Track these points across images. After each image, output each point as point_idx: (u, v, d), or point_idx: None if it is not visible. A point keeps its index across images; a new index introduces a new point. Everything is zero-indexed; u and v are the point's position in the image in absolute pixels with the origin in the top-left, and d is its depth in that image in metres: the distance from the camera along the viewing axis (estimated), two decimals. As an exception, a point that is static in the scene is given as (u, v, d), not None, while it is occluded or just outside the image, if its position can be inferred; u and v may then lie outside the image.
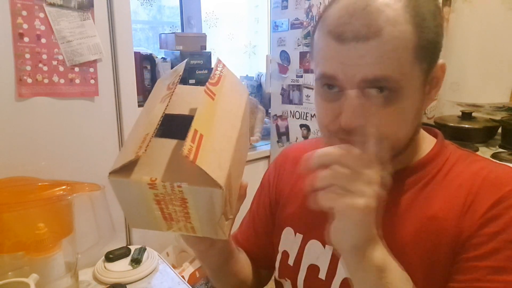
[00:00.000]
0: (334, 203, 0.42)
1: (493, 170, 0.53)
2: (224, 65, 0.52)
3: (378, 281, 0.45)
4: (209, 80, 0.48)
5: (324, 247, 0.61)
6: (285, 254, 0.66)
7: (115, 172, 0.41)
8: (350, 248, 0.45)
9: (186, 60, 0.56)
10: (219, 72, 0.50)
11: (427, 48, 0.46)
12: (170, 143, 0.43)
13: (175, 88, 0.46)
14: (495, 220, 0.48)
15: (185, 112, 0.48)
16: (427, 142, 0.59)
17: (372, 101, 0.46)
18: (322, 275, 0.60)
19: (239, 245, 0.73)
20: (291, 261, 0.65)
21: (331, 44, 0.47)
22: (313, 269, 0.61)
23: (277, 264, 0.68)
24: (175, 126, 0.45)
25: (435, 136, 0.61)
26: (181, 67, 0.50)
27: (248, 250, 0.75)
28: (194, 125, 0.40)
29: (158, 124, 0.41)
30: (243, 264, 0.71)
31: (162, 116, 0.42)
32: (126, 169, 0.41)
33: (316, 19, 0.51)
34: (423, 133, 0.59)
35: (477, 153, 1.32)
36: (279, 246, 0.68)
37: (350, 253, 0.45)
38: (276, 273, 0.69)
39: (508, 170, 0.53)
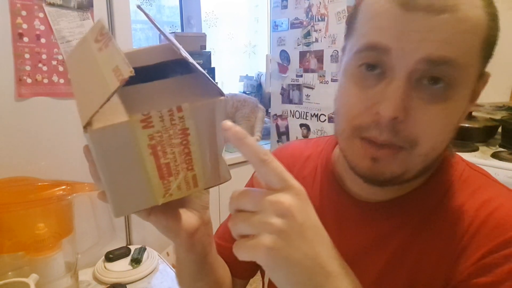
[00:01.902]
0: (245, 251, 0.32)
1: (502, 205, 0.43)
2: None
3: None
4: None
5: None
6: None
7: (90, 125, 0.32)
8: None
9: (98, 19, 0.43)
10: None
11: (492, 48, 0.40)
12: (136, 88, 0.37)
13: (109, 37, 0.38)
14: (492, 269, 0.40)
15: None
16: None
17: (420, 93, 0.38)
18: None
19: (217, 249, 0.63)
20: None
21: (392, 10, 0.38)
22: None
23: (266, 279, 0.63)
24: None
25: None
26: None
27: (226, 255, 0.64)
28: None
29: (123, 59, 0.33)
30: (219, 261, 0.62)
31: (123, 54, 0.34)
32: (101, 118, 0.33)
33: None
34: None
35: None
36: None
37: None
38: (266, 280, 0.65)
39: None
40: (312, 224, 0.33)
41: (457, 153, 0.53)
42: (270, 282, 0.68)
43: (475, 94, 0.43)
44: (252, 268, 0.67)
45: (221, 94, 0.37)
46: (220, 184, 0.43)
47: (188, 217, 0.46)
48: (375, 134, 0.40)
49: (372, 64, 0.40)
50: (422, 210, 0.48)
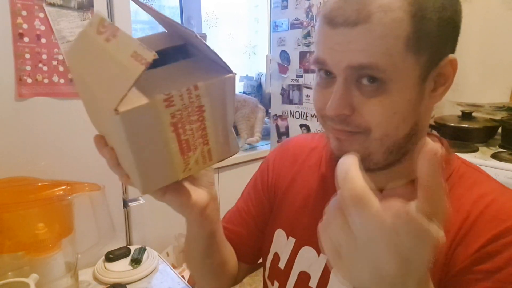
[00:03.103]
0: None
1: (497, 198, 0.48)
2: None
3: None
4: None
5: (319, 255, 0.59)
6: (276, 257, 0.65)
7: (117, 108, 0.35)
8: None
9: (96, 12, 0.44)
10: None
11: (426, 40, 0.44)
12: (147, 74, 0.37)
13: (115, 27, 0.38)
14: (493, 257, 0.44)
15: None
16: None
17: (362, 91, 0.45)
18: (313, 283, 0.58)
19: (224, 233, 0.68)
20: (281, 265, 0.63)
21: (324, 28, 0.46)
22: (304, 276, 0.60)
23: (267, 265, 0.66)
24: None
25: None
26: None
27: (233, 239, 0.70)
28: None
29: (140, 45, 0.34)
30: (226, 242, 0.67)
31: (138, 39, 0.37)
32: (126, 102, 0.35)
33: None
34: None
35: (479, 161, 1.32)
36: (271, 247, 0.66)
37: None
38: (265, 273, 0.67)
39: None
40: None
41: (456, 153, 0.56)
42: (265, 282, 0.69)
43: (440, 81, 0.48)
44: (256, 254, 0.70)
45: (230, 71, 0.41)
46: (231, 156, 0.47)
47: (199, 193, 0.52)
48: (332, 125, 0.48)
49: (326, 70, 0.48)
50: None
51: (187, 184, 0.51)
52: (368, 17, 0.42)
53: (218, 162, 0.47)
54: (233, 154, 0.47)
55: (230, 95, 0.42)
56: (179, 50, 0.44)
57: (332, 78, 0.48)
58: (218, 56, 0.40)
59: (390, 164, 0.50)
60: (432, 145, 0.27)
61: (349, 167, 0.28)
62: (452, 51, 0.48)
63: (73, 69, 0.45)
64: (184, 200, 0.50)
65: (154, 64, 0.36)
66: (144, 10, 0.46)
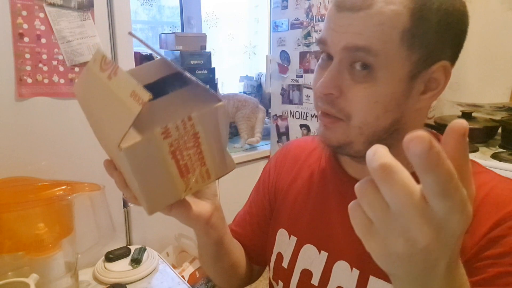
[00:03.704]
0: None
1: (496, 186, 0.50)
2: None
3: None
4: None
5: (320, 252, 0.60)
6: (279, 256, 0.65)
7: (121, 144, 0.40)
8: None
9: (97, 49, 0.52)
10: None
11: (421, 39, 0.45)
12: (146, 105, 0.42)
13: (115, 65, 0.43)
14: (499, 240, 0.45)
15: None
16: None
17: (352, 76, 0.47)
18: (315, 281, 0.59)
19: (233, 236, 0.71)
20: (285, 264, 0.64)
21: (331, 11, 0.49)
22: (306, 274, 0.60)
23: (271, 265, 0.67)
24: None
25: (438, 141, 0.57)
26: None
27: (242, 242, 0.73)
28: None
29: (138, 84, 0.39)
30: (235, 245, 0.70)
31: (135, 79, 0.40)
32: (129, 136, 0.40)
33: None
34: None
35: (477, 152, 1.32)
36: (274, 247, 0.67)
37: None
38: (270, 274, 0.68)
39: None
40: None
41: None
42: (270, 283, 0.69)
43: (430, 85, 0.49)
44: (266, 256, 0.70)
45: (220, 100, 0.45)
46: (228, 172, 0.52)
47: (203, 205, 0.55)
48: (320, 104, 0.51)
49: (327, 53, 0.51)
50: None
51: (191, 198, 0.54)
52: (371, 5, 0.45)
53: (217, 179, 0.52)
54: (230, 171, 0.52)
55: (222, 120, 0.46)
56: (177, 77, 0.48)
57: (330, 60, 0.50)
58: (207, 87, 0.44)
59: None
60: (460, 121, 0.27)
61: (378, 147, 0.28)
62: (452, 59, 0.49)
63: (81, 101, 0.49)
64: (189, 213, 0.53)
65: (152, 91, 0.40)
66: (144, 45, 0.51)
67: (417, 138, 0.26)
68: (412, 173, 0.27)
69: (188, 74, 0.43)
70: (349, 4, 0.46)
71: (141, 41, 0.49)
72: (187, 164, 0.46)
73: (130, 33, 0.51)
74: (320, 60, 0.53)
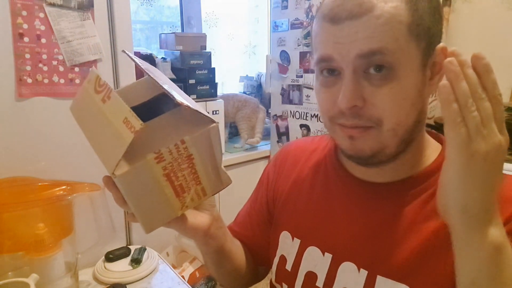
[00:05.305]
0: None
1: (506, 183, 0.50)
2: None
3: (490, 264, 0.41)
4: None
5: (323, 254, 0.59)
6: (283, 259, 0.65)
7: (115, 171, 0.41)
8: (477, 211, 0.41)
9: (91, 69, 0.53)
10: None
11: (423, 27, 0.46)
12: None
13: (109, 88, 0.44)
14: (509, 235, 0.44)
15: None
16: (432, 149, 0.56)
17: (371, 81, 0.46)
18: (319, 283, 0.59)
19: (235, 236, 0.72)
20: (288, 267, 0.63)
21: (325, 27, 0.48)
22: (311, 276, 0.60)
23: (274, 268, 0.67)
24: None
25: (440, 142, 0.57)
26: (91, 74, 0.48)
27: (243, 242, 0.74)
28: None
29: (130, 111, 0.40)
30: (237, 248, 0.71)
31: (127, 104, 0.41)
32: (122, 164, 0.41)
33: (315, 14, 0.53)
34: (427, 138, 0.56)
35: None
36: (277, 250, 0.66)
37: (467, 222, 0.41)
38: (273, 277, 0.68)
39: None
40: None
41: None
42: (271, 284, 0.69)
43: (435, 69, 0.50)
44: (270, 257, 0.70)
45: (212, 121, 0.46)
46: (224, 188, 0.52)
47: (201, 217, 0.57)
48: (343, 121, 0.49)
49: (329, 69, 0.49)
50: (427, 188, 0.53)
51: (190, 210, 0.55)
52: (372, 8, 0.45)
53: (212, 195, 0.53)
54: (226, 186, 0.52)
55: (216, 139, 0.46)
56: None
57: (336, 75, 0.49)
58: (198, 109, 0.44)
59: (398, 153, 0.51)
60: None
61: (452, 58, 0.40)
62: (440, 40, 0.50)
63: (78, 121, 0.50)
64: (189, 226, 0.54)
65: (144, 112, 0.42)
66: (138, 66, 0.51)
67: (474, 56, 0.40)
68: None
69: (178, 99, 0.43)
70: (345, 14, 0.46)
71: (133, 59, 0.50)
72: (182, 185, 0.46)
73: (124, 51, 0.52)
74: (321, 79, 0.51)
